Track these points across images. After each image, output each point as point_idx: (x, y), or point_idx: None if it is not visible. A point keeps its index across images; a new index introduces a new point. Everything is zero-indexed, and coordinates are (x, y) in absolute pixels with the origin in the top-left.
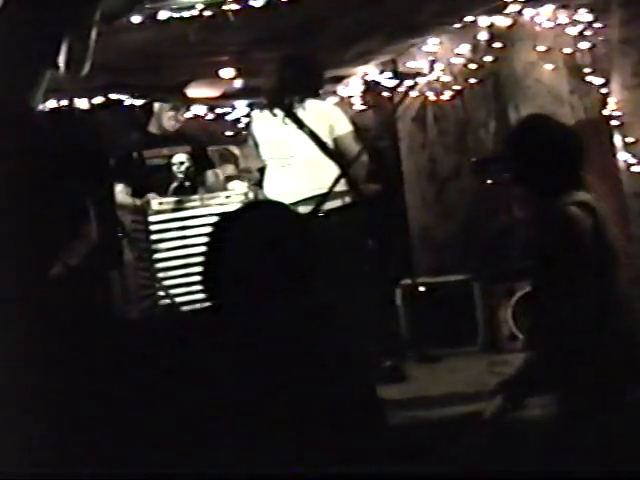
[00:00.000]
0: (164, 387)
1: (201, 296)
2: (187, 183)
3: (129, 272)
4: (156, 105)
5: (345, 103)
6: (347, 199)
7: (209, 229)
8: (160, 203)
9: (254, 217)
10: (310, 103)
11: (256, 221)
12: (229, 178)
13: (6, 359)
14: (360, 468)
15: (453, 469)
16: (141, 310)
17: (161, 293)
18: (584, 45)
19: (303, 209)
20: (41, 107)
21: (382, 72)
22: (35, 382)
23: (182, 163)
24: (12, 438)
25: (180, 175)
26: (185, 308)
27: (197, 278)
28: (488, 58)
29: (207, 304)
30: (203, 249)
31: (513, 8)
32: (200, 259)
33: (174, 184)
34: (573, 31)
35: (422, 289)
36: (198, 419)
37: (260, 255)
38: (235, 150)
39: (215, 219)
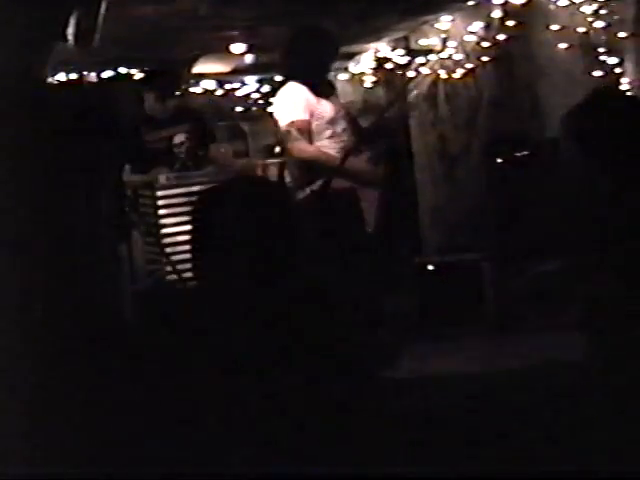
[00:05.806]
0: (165, 370)
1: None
2: (189, 163)
3: (137, 246)
4: (145, 91)
5: (356, 80)
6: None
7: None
8: (168, 178)
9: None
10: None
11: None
12: (238, 154)
13: (6, 344)
14: (363, 455)
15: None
16: (148, 284)
17: (168, 268)
18: (599, 24)
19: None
20: (49, 79)
21: (394, 49)
22: (37, 367)
23: (182, 144)
24: (12, 437)
25: (182, 156)
26: (191, 283)
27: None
28: (501, 36)
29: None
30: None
31: None
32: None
33: (177, 165)
34: (588, 9)
35: (431, 268)
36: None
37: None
38: (244, 126)
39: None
